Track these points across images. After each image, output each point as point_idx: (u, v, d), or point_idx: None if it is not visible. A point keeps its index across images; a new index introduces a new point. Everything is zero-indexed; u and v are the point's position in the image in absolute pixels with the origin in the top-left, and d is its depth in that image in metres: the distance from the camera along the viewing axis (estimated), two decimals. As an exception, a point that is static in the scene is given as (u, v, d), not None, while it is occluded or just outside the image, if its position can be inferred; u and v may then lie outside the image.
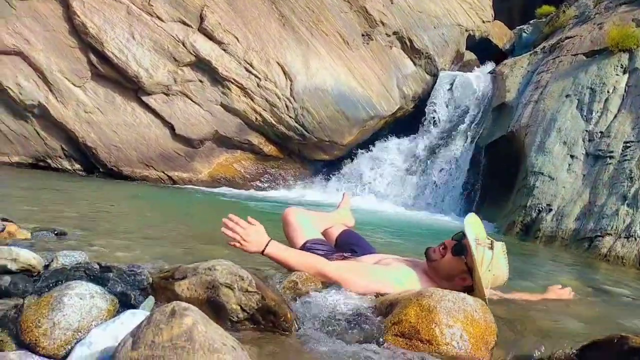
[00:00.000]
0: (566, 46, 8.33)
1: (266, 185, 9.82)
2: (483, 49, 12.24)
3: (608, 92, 6.68)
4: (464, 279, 2.22)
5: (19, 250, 1.86)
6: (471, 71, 11.40)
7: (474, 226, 2.28)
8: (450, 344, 1.74)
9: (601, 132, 6.31)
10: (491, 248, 2.19)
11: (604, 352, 1.62)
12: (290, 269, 2.24)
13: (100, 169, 9.10)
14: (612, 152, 5.96)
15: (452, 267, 2.25)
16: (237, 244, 2.18)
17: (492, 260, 2.17)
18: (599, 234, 5.14)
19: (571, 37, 8.52)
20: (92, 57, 8.76)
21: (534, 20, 12.51)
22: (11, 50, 8.41)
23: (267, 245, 2.21)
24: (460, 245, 2.24)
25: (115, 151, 8.98)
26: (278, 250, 2.24)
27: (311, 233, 2.80)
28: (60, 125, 8.79)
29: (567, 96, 7.11)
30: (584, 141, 6.40)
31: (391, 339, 1.79)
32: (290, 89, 9.44)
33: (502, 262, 2.20)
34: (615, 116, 6.37)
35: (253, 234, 2.20)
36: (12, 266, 1.80)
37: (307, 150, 9.92)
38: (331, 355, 1.66)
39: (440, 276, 2.28)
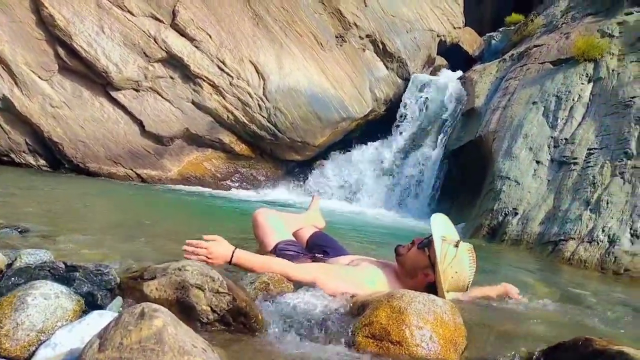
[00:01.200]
0: (534, 54, 8.53)
1: (237, 184, 9.75)
2: (454, 55, 12.44)
3: (573, 100, 6.87)
4: (427, 274, 2.26)
5: (-20, 248, 1.79)
6: (440, 76, 11.54)
7: (442, 225, 2.34)
8: (420, 345, 1.76)
9: (566, 139, 6.48)
10: (456, 246, 2.23)
11: (570, 354, 1.66)
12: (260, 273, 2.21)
13: (66, 165, 8.86)
14: (576, 158, 6.13)
15: (416, 261, 2.29)
16: (204, 260, 2.13)
17: (454, 257, 2.21)
18: (562, 238, 5.27)
19: (539, 45, 8.73)
20: (60, 50, 8.53)
21: (504, 28, 12.78)
22: (-26, 41, 8.13)
23: (232, 254, 2.20)
24: (426, 240, 2.30)
25: (82, 147, 8.77)
26: (245, 257, 2.22)
27: (282, 234, 2.79)
28: (25, 119, 8.52)
29: (533, 103, 7.28)
30: (549, 147, 6.57)
31: (362, 340, 1.79)
32: (263, 88, 9.40)
33: (466, 261, 2.23)
34: (580, 124, 6.55)
35: (216, 248, 2.19)
36: (-27, 264, 1.74)
37: (279, 150, 9.89)
38: (302, 356, 1.66)
39: (405, 272, 2.31)
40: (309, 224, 3.21)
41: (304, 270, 2.24)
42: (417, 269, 2.28)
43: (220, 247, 2.20)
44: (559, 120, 6.77)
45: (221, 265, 2.18)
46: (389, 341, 1.77)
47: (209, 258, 2.15)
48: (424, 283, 2.27)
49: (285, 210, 3.92)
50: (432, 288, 2.24)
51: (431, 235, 2.29)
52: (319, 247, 2.84)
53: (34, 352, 1.43)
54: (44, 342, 1.45)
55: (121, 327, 1.28)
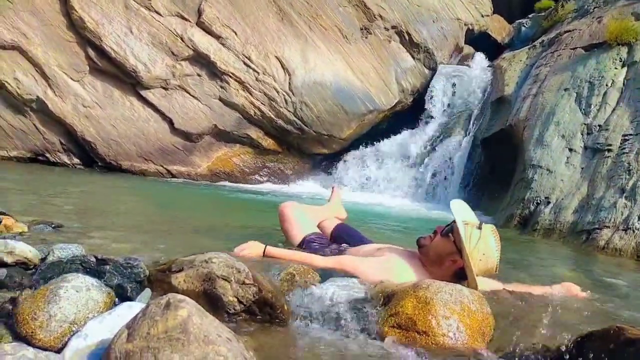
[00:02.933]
0: (565, 40, 8.30)
1: (265, 179, 9.82)
2: (482, 43, 12.20)
3: (606, 85, 6.66)
4: (454, 261, 2.23)
5: (15, 243, 1.86)
6: (469, 65, 11.36)
7: (462, 209, 2.31)
8: (446, 335, 1.74)
9: (599, 126, 6.30)
10: (479, 228, 2.20)
11: (601, 343, 1.62)
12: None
13: (99, 163, 9.09)
14: (610, 145, 5.95)
15: (441, 248, 2.27)
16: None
17: (479, 239, 2.18)
18: (596, 226, 5.14)
19: (570, 30, 8.49)
20: (90, 52, 8.74)
21: (533, 14, 12.46)
22: (9, 45, 8.38)
23: (264, 252, 2.38)
24: (449, 227, 2.28)
25: (114, 145, 8.97)
26: (276, 252, 2.39)
27: (308, 227, 2.85)
28: (59, 119, 8.77)
29: (565, 90, 7.10)
30: (582, 134, 6.40)
31: (388, 330, 1.79)
32: (289, 83, 9.42)
33: (491, 241, 2.19)
34: (614, 109, 6.35)
35: (248, 253, 2.36)
36: (8, 259, 1.80)
37: (306, 144, 9.92)
38: (327, 346, 1.67)
39: (431, 261, 2.29)
40: (332, 215, 3.24)
41: (334, 261, 2.29)
42: (443, 257, 2.26)
43: (252, 251, 2.37)
44: (592, 107, 6.58)
45: (254, 256, 2.34)
46: (415, 331, 1.76)
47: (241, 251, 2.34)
48: (452, 270, 2.25)
49: (312, 204, 3.93)
50: (461, 275, 2.22)
51: (453, 222, 2.26)
52: (343, 239, 2.85)
53: (66, 343, 1.47)
54: (75, 332, 1.49)
55: (148, 317, 1.31)
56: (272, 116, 9.41)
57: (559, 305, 2.25)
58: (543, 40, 9.20)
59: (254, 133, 9.59)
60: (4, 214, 2.52)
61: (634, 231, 4.82)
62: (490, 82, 9.82)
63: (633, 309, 2.42)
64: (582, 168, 6.06)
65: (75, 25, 8.63)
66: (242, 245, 2.41)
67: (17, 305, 1.58)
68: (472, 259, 2.16)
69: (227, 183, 9.29)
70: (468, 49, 12.01)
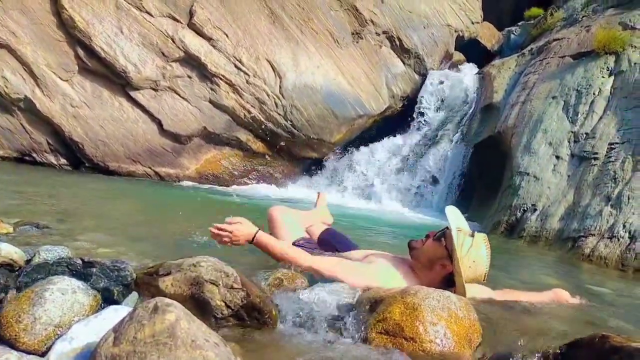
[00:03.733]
0: (553, 48, 8.40)
1: (254, 182, 9.80)
2: (472, 50, 12.31)
3: (594, 94, 6.75)
4: (444, 266, 2.25)
5: (0, 244, 1.83)
6: (458, 70, 11.45)
7: (456, 216, 2.33)
8: (434, 341, 1.74)
9: (586, 134, 6.38)
10: (472, 236, 2.22)
11: (586, 351, 1.63)
12: (276, 259, 2.34)
13: (87, 164, 9.00)
14: (596, 153, 6.03)
15: (432, 252, 2.29)
16: (228, 242, 2.34)
17: (471, 247, 2.20)
18: (582, 234, 5.19)
19: (559, 39, 8.60)
20: (80, 51, 8.66)
21: (523, 22, 12.60)
22: (-3, 43, 8.30)
23: (256, 234, 2.35)
24: (441, 232, 2.30)
25: (102, 146, 8.89)
26: (266, 240, 2.37)
27: (296, 232, 2.88)
28: (47, 119, 8.68)
29: (553, 97, 7.18)
30: (569, 142, 6.47)
31: (375, 336, 1.79)
32: (280, 86, 9.42)
33: (483, 250, 2.21)
34: (601, 118, 6.44)
35: (240, 228, 2.35)
36: (-7, 260, 1.77)
37: (296, 147, 9.91)
38: (315, 352, 1.66)
39: (421, 265, 2.30)
40: (319, 220, 3.25)
41: (323, 262, 2.27)
42: (433, 261, 2.28)
43: (244, 227, 2.36)
44: (579, 115, 6.66)
45: (243, 244, 2.36)
46: (403, 337, 1.76)
47: (233, 238, 2.33)
48: (441, 275, 2.26)
49: (301, 207, 3.94)
50: (450, 281, 2.23)
51: (446, 228, 2.28)
52: (331, 243, 2.86)
53: (51, 346, 1.46)
54: (60, 336, 1.48)
55: (135, 321, 1.30)
56: (262, 119, 9.40)
57: (546, 312, 2.27)
58: (532, 48, 9.30)
59: (244, 136, 9.57)
60: (-11, 214, 2.49)
61: (618, 239, 4.88)
62: (480, 89, 9.90)
63: (618, 317, 2.45)
64: (569, 176, 6.13)
65: (65, 25, 8.55)
66: (235, 218, 2.40)
67: (1, 308, 1.56)
68: (462, 265, 2.17)
69: (215, 186, 9.25)
70: (458, 56, 12.11)
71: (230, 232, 2.34)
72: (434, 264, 2.28)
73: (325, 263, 2.29)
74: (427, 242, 2.31)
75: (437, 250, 2.27)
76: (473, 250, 2.19)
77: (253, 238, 2.35)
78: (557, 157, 6.41)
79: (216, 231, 2.35)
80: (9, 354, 1.28)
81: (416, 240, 2.37)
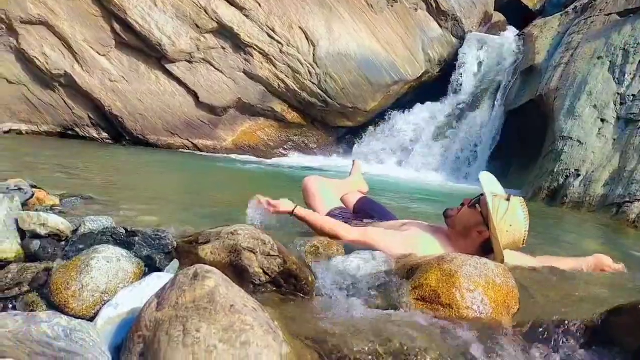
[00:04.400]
0: (599, 5, 7.99)
1: (290, 152, 9.84)
2: (513, 10, 11.84)
3: (643, 53, 6.42)
4: (481, 232, 2.20)
5: (48, 215, 1.91)
6: (499, 34, 11.06)
7: (491, 182, 2.29)
8: (471, 308, 1.73)
9: (634, 95, 6.09)
10: (508, 200, 2.17)
11: (628, 318, 1.60)
12: (317, 232, 2.35)
13: (127, 137, 9.23)
14: (645, 115, 5.77)
15: (468, 219, 2.25)
16: (266, 205, 2.40)
17: (507, 211, 2.15)
18: (627, 199, 5.02)
19: (605, -5, 8.16)
20: (116, 26, 8.78)
21: (567, -22, 11.99)
22: (37, 20, 8.48)
23: (295, 207, 2.40)
24: (477, 199, 2.26)
25: (141, 119, 9.08)
26: (305, 211, 2.42)
27: (331, 201, 2.88)
28: (87, 94, 8.90)
29: (598, 58, 6.86)
30: (615, 104, 6.20)
31: (412, 302, 1.79)
32: (313, 54, 9.34)
33: (520, 213, 2.16)
34: (650, 78, 6.13)
35: (281, 201, 2.41)
36: (42, 231, 1.85)
37: (330, 117, 9.87)
38: (352, 318, 1.68)
39: (457, 233, 2.28)
40: (354, 189, 3.24)
41: (359, 232, 2.27)
42: (470, 228, 2.24)
43: (284, 202, 2.41)
44: (626, 76, 6.36)
45: (282, 211, 2.40)
46: (439, 304, 1.76)
47: (272, 202, 2.39)
48: (478, 242, 2.22)
49: (337, 177, 3.94)
50: (487, 248, 2.20)
51: (481, 194, 2.23)
52: (367, 212, 2.86)
53: (98, 312, 1.52)
54: (107, 302, 1.54)
55: (177, 287, 1.34)
56: (297, 89, 9.37)
57: (586, 279, 2.22)
58: (576, 7, 8.87)
59: (278, 106, 9.58)
60: (36, 187, 2.59)
61: (667, 204, 4.70)
62: (521, 51, 9.55)
63: (664, 283, 2.37)
64: (614, 139, 5.90)
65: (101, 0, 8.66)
66: (274, 201, 2.44)
67: (51, 276, 1.63)
68: (499, 231, 2.13)
69: (252, 157, 9.35)
70: (498, 17, 11.68)
71: (269, 201, 2.41)
72: (471, 231, 2.24)
73: (363, 234, 2.28)
74: (463, 210, 2.28)
75: (472, 217, 2.23)
76: (509, 214, 2.15)
77: (294, 209, 2.40)
78: (602, 121, 6.17)
79: (255, 201, 2.43)
80: (59, 319, 1.34)
81: (452, 208, 2.33)
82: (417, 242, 2.25)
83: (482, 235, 2.21)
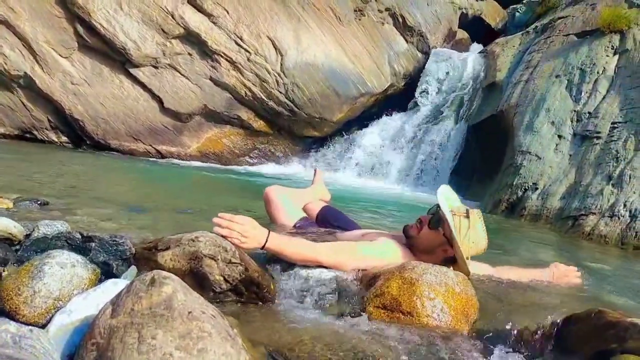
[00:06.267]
0: (558, 26, 8.30)
1: (255, 160, 9.79)
2: (476, 28, 12.17)
3: (598, 72, 6.69)
4: (445, 250, 2.22)
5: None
6: (463, 50, 11.34)
7: (447, 197, 2.28)
8: (431, 316, 1.76)
9: (589, 113, 6.34)
10: (467, 217, 2.19)
11: (582, 326, 1.65)
12: (286, 260, 2.10)
13: (88, 142, 9.00)
14: (599, 132, 6.00)
15: (430, 241, 2.23)
16: (236, 241, 1.94)
17: (469, 229, 2.16)
18: (583, 212, 5.20)
19: (564, 17, 8.49)
20: (79, 28, 8.59)
21: (528, 0, 12.42)
22: (-5, 19, 8.22)
23: (267, 238, 2.01)
24: (436, 218, 2.23)
25: (103, 124, 8.88)
26: (279, 243, 2.05)
27: (294, 212, 2.88)
28: (47, 96, 8.64)
29: (557, 76, 7.12)
30: (572, 121, 6.43)
31: (373, 310, 1.80)
32: (281, 64, 9.35)
33: (480, 228, 2.18)
34: (604, 97, 6.39)
35: (251, 230, 1.98)
36: (-8, 234, 1.78)
37: (297, 126, 9.88)
38: (313, 326, 1.68)
39: (420, 250, 2.28)
40: (316, 197, 3.25)
41: (327, 253, 2.11)
42: (434, 247, 2.24)
43: (254, 230, 1.99)
44: (582, 94, 6.61)
45: (252, 249, 1.99)
46: (400, 312, 1.78)
47: (242, 237, 1.95)
48: (442, 257, 2.23)
49: (299, 186, 3.94)
50: (451, 260, 2.21)
51: (438, 211, 2.23)
52: (329, 221, 2.86)
53: (50, 318, 1.47)
54: (60, 308, 1.49)
55: (133, 293, 1.30)
56: (264, 97, 9.35)
57: (542, 288, 2.28)
58: (537, 26, 9.20)
59: (245, 114, 9.53)
60: (-12, 189, 2.49)
61: (619, 218, 4.88)
62: (483, 67, 9.81)
63: (615, 293, 2.46)
64: (571, 155, 6.11)
65: (65, 0, 8.46)
66: (239, 216, 2.00)
67: (1, 281, 1.57)
68: (463, 248, 2.15)
69: (216, 164, 9.26)
70: (461, 34, 11.98)
71: (241, 226, 1.97)
72: (435, 250, 2.24)
73: (329, 255, 2.12)
74: (423, 231, 2.25)
75: (435, 238, 2.22)
76: (471, 232, 2.16)
77: (265, 243, 2.00)
78: (560, 137, 6.38)
79: (225, 222, 1.95)
80: (7, 325, 1.29)
81: (410, 226, 2.30)
82: (385, 252, 2.24)
83: (446, 252, 2.22)
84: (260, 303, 1.83)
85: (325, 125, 9.92)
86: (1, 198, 2.49)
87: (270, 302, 1.85)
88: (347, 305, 1.85)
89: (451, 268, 2.04)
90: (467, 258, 2.16)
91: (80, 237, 1.87)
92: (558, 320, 1.74)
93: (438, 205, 2.23)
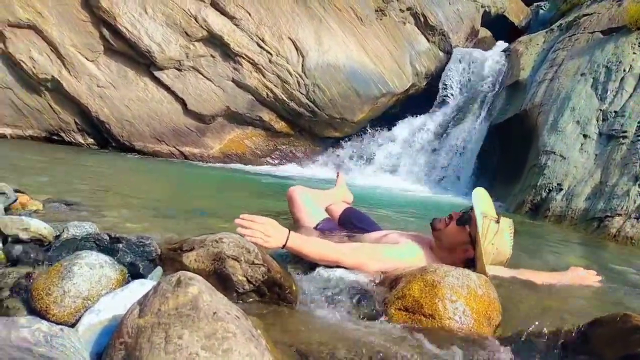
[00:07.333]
0: (583, 24, 8.15)
1: (277, 161, 9.85)
2: (499, 26, 12.03)
3: (624, 70, 6.55)
4: (466, 250, 2.21)
5: (30, 220, 1.89)
6: (486, 48, 11.22)
7: (482, 200, 2.27)
8: (452, 318, 1.75)
9: (615, 112, 6.21)
10: (497, 222, 2.18)
11: (607, 330, 1.63)
12: (307, 260, 2.16)
13: (113, 144, 9.17)
14: (625, 132, 5.87)
15: (455, 236, 2.24)
16: (259, 241, 2.00)
17: (496, 234, 2.15)
18: (608, 214, 5.10)
19: (589, 14, 8.33)
20: (105, 32, 8.76)
21: (552, -4, 12.25)
22: (24, 24, 8.43)
23: (287, 238, 2.08)
24: (466, 216, 2.24)
25: (128, 126, 9.04)
26: (299, 242, 2.11)
27: (317, 212, 2.91)
28: (74, 99, 8.84)
29: (582, 75, 6.99)
30: (597, 120, 6.31)
31: (394, 312, 1.81)
32: (302, 65, 9.38)
33: (507, 237, 2.17)
34: (631, 95, 6.25)
35: (272, 229, 2.05)
36: (24, 235, 1.84)
37: (318, 127, 9.90)
38: (335, 327, 1.69)
39: (442, 246, 2.27)
40: (339, 199, 3.27)
41: (351, 254, 2.16)
42: (456, 245, 2.24)
43: (275, 230, 2.06)
44: (608, 93, 6.48)
45: (274, 248, 2.05)
46: (422, 314, 1.78)
47: (265, 236, 2.02)
48: (462, 257, 2.23)
49: (322, 187, 3.96)
50: (470, 262, 2.21)
51: (470, 210, 2.23)
52: (352, 223, 2.88)
53: (79, 318, 1.51)
54: (88, 308, 1.53)
55: (159, 294, 1.33)
56: (285, 98, 9.40)
57: (566, 291, 2.26)
58: (561, 24, 9.04)
59: (267, 115, 9.60)
60: (19, 191, 2.57)
61: (646, 219, 4.78)
62: (506, 66, 9.69)
63: (641, 296, 2.42)
64: (596, 155, 5.99)
65: (90, 5, 8.64)
66: (260, 217, 2.07)
67: (32, 281, 1.62)
68: (485, 253, 2.14)
69: (239, 165, 9.34)
70: (484, 32, 11.86)
71: (263, 225, 2.04)
72: (456, 247, 2.24)
73: (355, 255, 2.16)
74: (450, 226, 2.26)
75: (460, 235, 2.23)
76: (497, 238, 2.15)
77: (285, 242, 2.06)
78: (585, 136, 6.27)
79: (246, 223, 2.02)
80: (40, 324, 1.33)
81: (439, 219, 2.31)
82: (405, 254, 2.25)
83: (467, 253, 2.21)
84: (283, 304, 1.85)
85: (346, 125, 9.92)
86: (31, 200, 2.56)
87: (293, 303, 1.87)
88: (368, 307, 1.85)
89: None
90: (487, 262, 2.15)
91: (108, 238, 1.92)
92: (582, 324, 1.72)
93: (471, 207, 2.23)
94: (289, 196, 2.99)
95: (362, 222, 2.92)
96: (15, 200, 2.39)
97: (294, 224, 2.94)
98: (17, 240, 1.83)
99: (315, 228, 2.81)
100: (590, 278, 2.50)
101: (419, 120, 10.19)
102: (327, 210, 3.05)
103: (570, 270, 2.55)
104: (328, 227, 2.81)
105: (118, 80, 8.98)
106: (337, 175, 3.75)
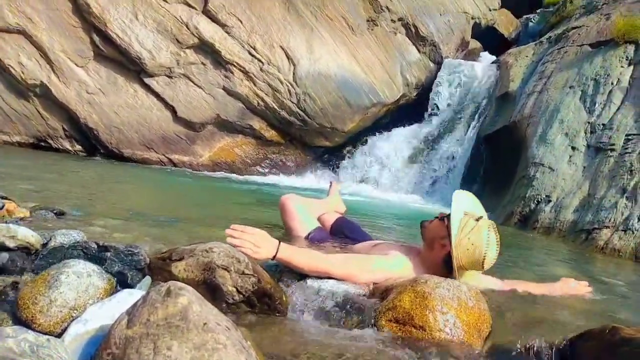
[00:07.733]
0: (572, 36, 8.26)
1: (267, 170, 9.83)
2: (489, 38, 12.16)
3: (612, 83, 6.64)
4: (444, 246, 2.21)
5: (17, 227, 1.86)
6: (475, 60, 11.34)
7: (466, 201, 2.30)
8: (443, 330, 1.75)
9: (603, 124, 6.29)
10: (477, 220, 2.19)
11: (596, 342, 1.63)
12: (298, 271, 2.12)
13: (101, 150, 9.10)
14: (613, 144, 5.95)
15: (435, 231, 2.26)
16: (249, 252, 1.98)
17: (473, 229, 2.16)
18: (596, 226, 5.15)
19: (577, 27, 8.45)
20: (95, 37, 8.72)
21: (541, 9, 12.42)
22: (14, 29, 8.37)
23: (277, 249, 2.06)
24: (448, 213, 2.27)
25: (117, 133, 8.98)
26: (289, 253, 2.09)
27: (309, 222, 2.90)
28: (62, 105, 8.77)
29: (570, 87, 7.08)
30: (585, 133, 6.39)
31: (385, 324, 1.80)
32: (293, 73, 9.40)
33: (484, 234, 2.15)
34: (618, 108, 6.34)
35: (262, 240, 2.04)
36: (10, 243, 1.81)
37: (309, 136, 9.91)
38: (324, 338, 1.68)
39: (426, 245, 2.30)
40: (331, 209, 3.27)
41: (340, 265, 2.15)
42: (434, 240, 2.26)
43: (265, 241, 2.05)
44: (596, 105, 6.56)
45: (264, 259, 2.05)
46: (412, 326, 1.77)
47: (255, 247, 2.00)
48: (441, 255, 2.21)
49: (313, 196, 3.96)
50: (450, 263, 2.20)
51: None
52: (343, 233, 2.88)
53: (66, 328, 1.49)
54: (75, 318, 1.51)
55: (148, 304, 1.32)
56: (276, 107, 9.40)
57: (555, 303, 2.26)
58: (550, 36, 9.16)
59: (257, 124, 9.59)
60: (6, 198, 2.53)
61: (633, 232, 4.83)
62: (496, 77, 9.79)
63: (629, 309, 2.44)
64: (584, 167, 6.06)
65: (81, 10, 8.60)
66: (250, 228, 2.07)
67: (18, 290, 1.60)
68: (459, 246, 2.15)
69: (228, 174, 9.31)
70: (474, 44, 11.97)
71: (253, 236, 2.03)
72: (435, 242, 2.25)
73: (345, 266, 2.15)
74: (433, 222, 2.31)
75: (439, 229, 2.25)
76: (474, 233, 2.16)
77: (275, 254, 2.04)
78: (573, 148, 6.34)
79: (237, 233, 2.01)
80: (26, 334, 1.31)
81: (428, 220, 2.37)
82: (395, 265, 2.25)
83: (444, 248, 2.21)
84: (273, 315, 1.84)
85: (336, 135, 9.94)
86: (18, 207, 2.53)
87: (283, 314, 1.86)
88: (359, 318, 1.85)
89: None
90: (462, 256, 2.15)
91: (96, 246, 1.90)
92: (571, 336, 1.73)
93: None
94: (281, 204, 2.98)
95: (353, 232, 2.92)
96: (1, 207, 2.36)
97: (286, 233, 2.93)
98: (4, 248, 1.81)
99: (307, 237, 2.80)
100: (581, 289, 2.51)
101: (409, 130, 10.23)
102: (319, 219, 3.05)
103: (562, 282, 2.56)
104: (320, 237, 2.81)
105: (107, 86, 8.93)
106: (330, 185, 3.76)
